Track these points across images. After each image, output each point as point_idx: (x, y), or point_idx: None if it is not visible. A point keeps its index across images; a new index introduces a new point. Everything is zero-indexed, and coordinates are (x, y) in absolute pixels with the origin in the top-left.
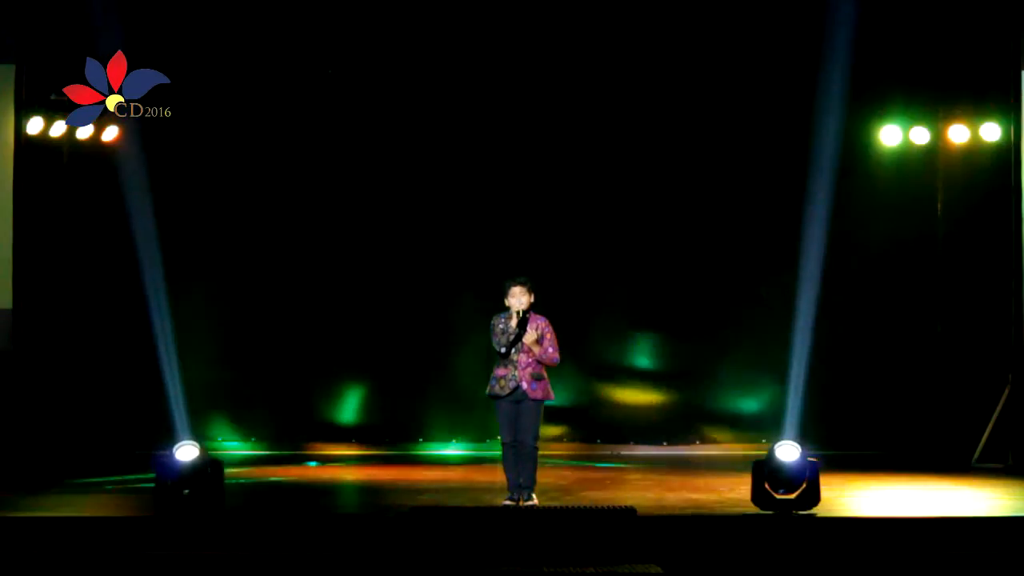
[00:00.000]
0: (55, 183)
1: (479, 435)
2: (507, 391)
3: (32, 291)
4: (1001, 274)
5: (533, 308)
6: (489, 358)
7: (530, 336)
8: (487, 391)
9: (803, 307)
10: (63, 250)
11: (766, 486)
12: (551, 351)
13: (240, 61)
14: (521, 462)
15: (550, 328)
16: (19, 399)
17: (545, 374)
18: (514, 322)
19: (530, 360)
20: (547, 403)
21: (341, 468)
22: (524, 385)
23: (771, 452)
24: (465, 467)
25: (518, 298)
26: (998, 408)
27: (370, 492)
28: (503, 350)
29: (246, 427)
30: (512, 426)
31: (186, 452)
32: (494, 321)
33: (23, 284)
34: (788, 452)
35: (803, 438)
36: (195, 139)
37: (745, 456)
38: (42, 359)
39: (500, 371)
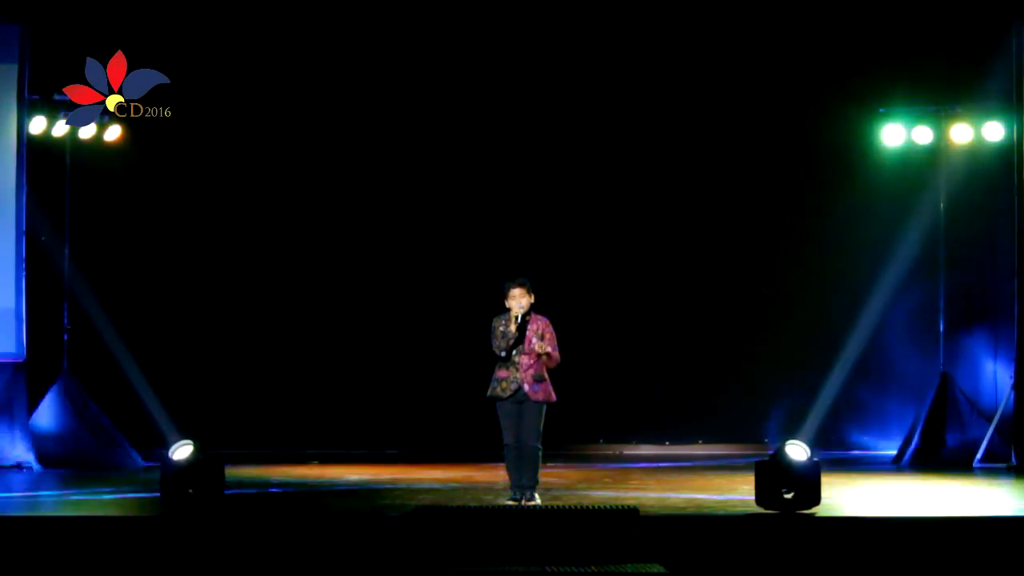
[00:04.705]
0: (58, 182)
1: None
2: (509, 393)
3: (34, 290)
4: (1003, 273)
5: (533, 307)
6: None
7: (540, 346)
8: (488, 393)
9: (806, 307)
10: (65, 250)
11: (770, 486)
12: (550, 350)
13: (240, 61)
14: (523, 462)
15: (550, 328)
16: (20, 398)
17: (546, 375)
18: (513, 327)
19: (531, 362)
20: (548, 404)
21: (343, 468)
22: (526, 387)
23: (776, 452)
24: (467, 467)
25: (518, 300)
26: (1000, 408)
27: (372, 492)
28: (503, 353)
29: (246, 426)
30: (514, 427)
31: (183, 451)
32: (494, 323)
33: (26, 284)
34: (795, 452)
35: (808, 438)
36: (195, 139)
37: (747, 456)
38: (44, 359)
39: (502, 373)
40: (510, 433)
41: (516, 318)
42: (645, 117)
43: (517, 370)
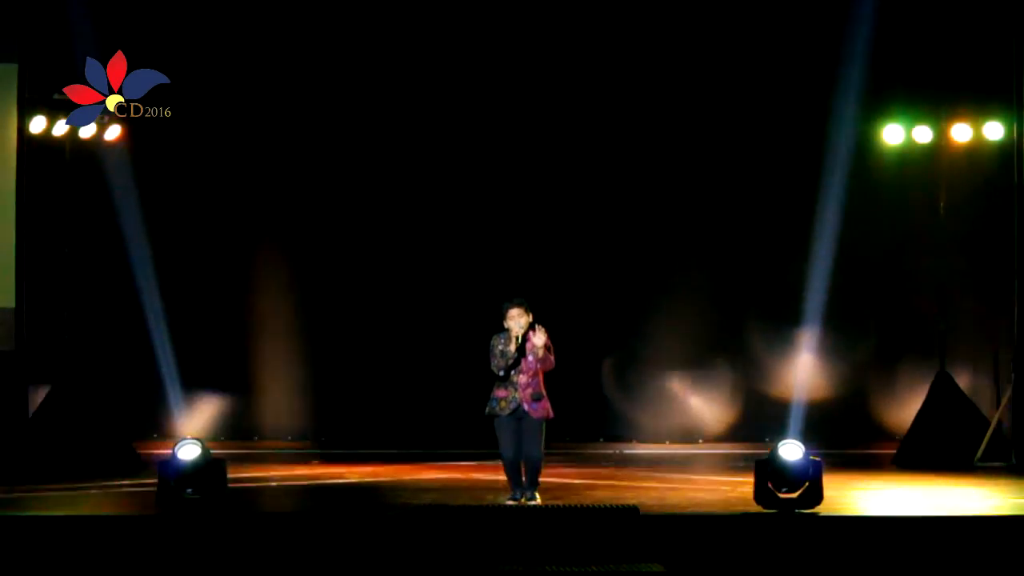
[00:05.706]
0: (58, 182)
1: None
2: (508, 412)
3: (34, 290)
4: (1002, 273)
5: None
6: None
7: (539, 338)
8: (486, 411)
9: (806, 305)
10: (65, 249)
11: (769, 485)
12: (546, 339)
13: (240, 61)
14: (524, 470)
15: (546, 333)
16: (20, 397)
17: (544, 392)
18: (513, 347)
19: (530, 380)
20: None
21: (343, 467)
22: (525, 406)
23: (774, 451)
24: (467, 467)
25: (516, 320)
26: (1001, 407)
27: (373, 491)
28: (501, 373)
29: (247, 426)
30: (514, 440)
31: (188, 451)
32: (493, 341)
33: (25, 283)
34: (791, 451)
35: (806, 437)
36: (195, 139)
37: (748, 455)
38: (43, 358)
39: (500, 392)
40: (509, 446)
41: (516, 338)
42: (643, 127)
43: (516, 390)
